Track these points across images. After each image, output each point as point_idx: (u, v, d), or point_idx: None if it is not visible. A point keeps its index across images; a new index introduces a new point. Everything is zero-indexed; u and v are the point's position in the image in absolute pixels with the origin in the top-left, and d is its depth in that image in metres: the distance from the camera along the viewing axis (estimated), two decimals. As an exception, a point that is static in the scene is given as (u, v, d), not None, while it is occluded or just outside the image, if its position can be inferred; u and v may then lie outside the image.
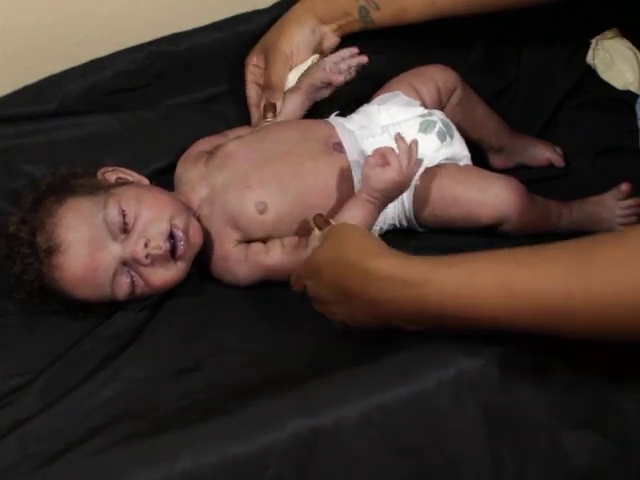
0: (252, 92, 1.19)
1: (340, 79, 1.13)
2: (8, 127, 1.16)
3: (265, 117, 1.14)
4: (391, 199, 1.01)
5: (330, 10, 1.16)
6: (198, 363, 0.94)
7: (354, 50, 1.15)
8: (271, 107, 1.14)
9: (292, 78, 1.16)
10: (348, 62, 1.14)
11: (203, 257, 1.05)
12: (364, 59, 1.14)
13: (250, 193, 1.04)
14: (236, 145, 1.09)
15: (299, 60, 1.16)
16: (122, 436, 0.80)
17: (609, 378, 0.80)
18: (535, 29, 1.21)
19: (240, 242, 1.05)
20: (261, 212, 1.04)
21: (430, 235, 1.12)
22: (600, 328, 0.70)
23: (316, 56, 1.16)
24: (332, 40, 1.18)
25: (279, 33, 1.16)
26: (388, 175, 0.98)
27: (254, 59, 1.18)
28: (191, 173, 1.10)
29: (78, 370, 0.94)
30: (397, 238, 1.11)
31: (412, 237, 1.12)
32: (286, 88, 1.15)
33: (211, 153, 1.10)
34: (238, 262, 1.04)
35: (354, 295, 0.81)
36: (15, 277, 1.01)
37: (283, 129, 1.11)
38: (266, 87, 1.15)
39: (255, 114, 1.18)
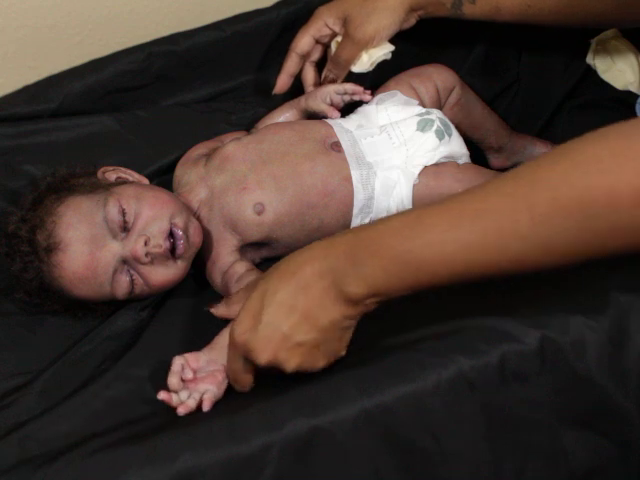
0: (291, 61, 1.17)
1: (337, 115, 1.13)
2: (8, 127, 1.16)
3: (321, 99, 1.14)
4: None
5: None
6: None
7: (359, 89, 1.14)
8: (331, 81, 1.14)
9: (365, 61, 1.13)
10: (350, 97, 1.14)
11: (200, 258, 1.05)
12: (367, 97, 1.14)
13: (248, 194, 1.04)
14: (234, 147, 1.09)
15: (377, 44, 1.13)
16: (122, 436, 0.80)
17: (609, 378, 0.80)
18: (535, 29, 1.21)
19: (236, 250, 1.05)
20: (259, 213, 1.04)
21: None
22: (549, 247, 0.70)
23: (391, 47, 1.13)
24: (410, 23, 1.14)
25: (368, 14, 1.11)
26: None
27: (330, 20, 1.14)
28: (190, 175, 1.10)
29: (78, 370, 0.94)
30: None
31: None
32: (354, 68, 1.14)
33: (210, 155, 1.10)
34: (220, 271, 1.04)
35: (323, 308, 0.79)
36: (15, 276, 1.01)
37: (281, 130, 1.11)
38: (334, 61, 1.14)
39: (284, 79, 1.17)
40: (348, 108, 1.16)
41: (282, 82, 1.18)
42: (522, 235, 0.70)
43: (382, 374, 0.79)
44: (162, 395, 0.84)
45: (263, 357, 0.79)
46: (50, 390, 0.92)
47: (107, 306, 1.03)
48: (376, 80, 1.20)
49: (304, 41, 1.16)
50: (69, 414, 0.88)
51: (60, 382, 0.93)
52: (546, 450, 0.81)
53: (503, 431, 0.80)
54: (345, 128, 1.11)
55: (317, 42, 1.17)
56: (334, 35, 1.15)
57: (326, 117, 1.14)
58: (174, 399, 0.85)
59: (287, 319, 0.78)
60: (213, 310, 0.93)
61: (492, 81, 1.28)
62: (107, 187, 1.03)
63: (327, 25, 1.15)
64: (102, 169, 1.09)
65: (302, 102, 1.16)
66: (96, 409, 0.89)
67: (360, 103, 1.15)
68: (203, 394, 0.85)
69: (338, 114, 1.13)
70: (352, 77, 1.17)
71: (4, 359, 0.97)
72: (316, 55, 1.18)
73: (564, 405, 0.80)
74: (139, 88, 1.22)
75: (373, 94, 1.15)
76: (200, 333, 1.00)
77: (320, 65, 1.19)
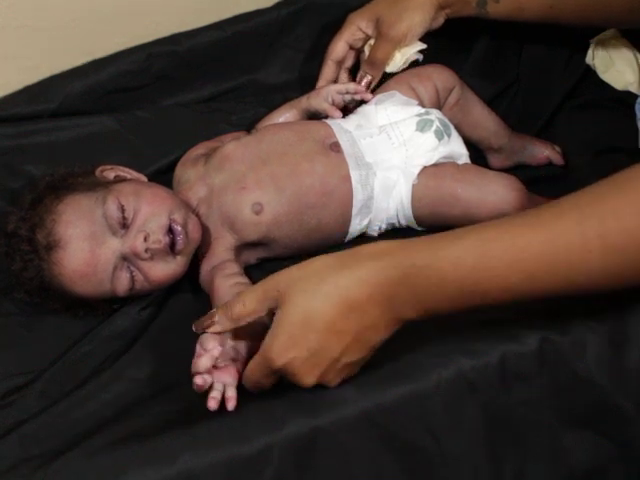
0: (328, 69, 1.18)
1: (338, 115, 1.13)
2: (8, 127, 1.16)
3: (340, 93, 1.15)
4: None
5: None
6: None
7: (361, 88, 1.14)
8: (367, 83, 1.15)
9: (398, 60, 1.14)
10: (352, 96, 1.15)
11: (197, 258, 1.05)
12: (369, 97, 1.14)
13: (246, 194, 1.04)
14: (234, 146, 1.09)
15: (409, 42, 1.13)
16: (122, 436, 0.80)
17: (609, 378, 0.80)
18: (535, 29, 1.21)
19: (232, 249, 1.05)
20: (257, 213, 1.04)
21: (429, 234, 1.11)
22: (619, 277, 0.71)
23: (423, 45, 1.14)
24: (439, 22, 1.15)
25: (399, 14, 1.12)
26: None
27: (363, 24, 1.15)
28: (190, 173, 1.10)
29: (78, 371, 0.94)
30: (396, 238, 1.11)
31: (411, 236, 1.11)
32: (388, 68, 1.15)
33: (209, 155, 1.11)
34: (210, 265, 1.04)
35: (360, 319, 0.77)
36: (15, 275, 1.01)
37: (280, 130, 1.11)
38: (369, 62, 1.14)
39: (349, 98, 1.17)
40: (347, 109, 1.17)
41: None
42: (592, 266, 0.71)
43: (382, 374, 0.79)
44: (198, 380, 0.82)
45: (308, 381, 0.78)
46: (50, 390, 0.92)
47: (108, 304, 1.03)
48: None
49: (339, 47, 1.17)
50: (69, 414, 0.88)
51: (60, 382, 0.93)
52: (546, 450, 0.80)
53: (503, 431, 0.80)
54: (344, 128, 1.11)
55: (350, 48, 1.18)
56: (367, 39, 1.16)
57: (327, 117, 1.14)
58: (207, 383, 0.82)
59: (338, 345, 0.76)
60: (210, 330, 0.85)
61: (492, 81, 1.27)
62: (106, 185, 1.03)
63: (360, 29, 1.16)
64: (100, 168, 1.09)
65: (303, 102, 1.16)
66: (95, 409, 0.89)
67: (360, 103, 1.16)
68: (226, 387, 0.83)
69: (340, 114, 1.13)
70: (353, 76, 1.18)
71: (4, 359, 0.97)
72: (350, 61, 1.19)
73: (564, 405, 0.80)
74: (139, 88, 1.21)
75: (373, 94, 1.15)
76: (199, 334, 1.00)
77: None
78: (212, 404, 0.81)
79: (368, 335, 0.77)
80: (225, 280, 1.01)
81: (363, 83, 1.15)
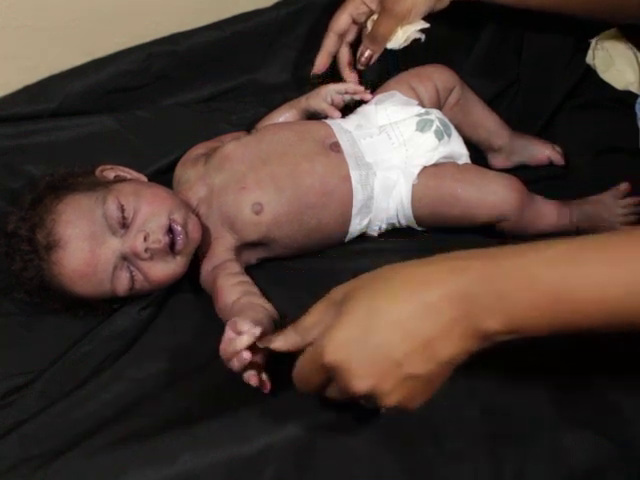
0: (330, 40, 1.17)
1: (338, 115, 1.13)
2: (8, 127, 1.16)
3: (360, 64, 1.15)
4: None
5: None
6: (199, 364, 0.94)
7: (360, 88, 1.14)
8: (367, 58, 1.14)
9: (400, 36, 1.13)
10: (352, 96, 1.14)
11: (197, 258, 1.05)
12: (368, 97, 1.14)
13: (246, 194, 1.04)
14: (234, 146, 1.09)
15: (412, 19, 1.12)
16: (122, 436, 0.80)
17: (609, 378, 0.80)
18: (535, 29, 1.21)
19: (232, 249, 1.05)
20: (257, 213, 1.04)
21: (429, 234, 1.12)
22: None
23: (426, 24, 1.12)
24: (443, 3, 1.13)
25: None
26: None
27: None
28: (190, 173, 1.10)
29: (78, 371, 0.94)
30: (396, 237, 1.12)
31: (411, 236, 1.12)
32: (389, 45, 1.14)
33: (209, 155, 1.11)
34: (212, 265, 1.04)
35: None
36: (15, 275, 1.01)
37: (280, 130, 1.11)
38: (371, 37, 1.13)
39: (348, 73, 1.17)
40: (347, 109, 1.17)
41: (322, 61, 1.18)
42: None
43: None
44: (245, 355, 0.80)
45: (361, 384, 0.68)
46: (50, 390, 0.92)
47: (107, 304, 1.03)
48: (376, 80, 1.20)
49: (342, 20, 1.16)
50: (69, 415, 0.88)
51: (60, 382, 0.93)
52: (546, 450, 0.80)
53: (503, 431, 0.80)
54: (344, 128, 1.11)
55: (353, 22, 1.17)
56: (371, 13, 1.15)
57: (327, 117, 1.14)
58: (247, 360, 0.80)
59: (402, 344, 0.68)
60: (274, 345, 0.78)
61: (492, 81, 1.28)
62: (106, 185, 1.03)
63: (364, 3, 1.14)
64: (100, 168, 1.09)
65: (302, 102, 1.16)
66: (95, 409, 0.89)
67: (360, 103, 1.16)
68: (261, 371, 0.82)
69: (339, 114, 1.13)
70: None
71: (4, 359, 0.97)
72: (351, 35, 1.18)
73: (564, 405, 0.80)
74: (139, 88, 1.21)
75: (373, 94, 1.15)
76: (200, 334, 1.00)
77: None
78: (254, 380, 0.80)
79: (439, 344, 0.68)
80: (228, 279, 1.01)
81: (364, 58, 1.14)
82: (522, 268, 0.67)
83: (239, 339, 0.82)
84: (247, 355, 0.81)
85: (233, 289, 0.99)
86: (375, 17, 1.14)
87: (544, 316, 0.66)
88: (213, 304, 1.01)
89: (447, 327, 0.67)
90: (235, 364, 0.82)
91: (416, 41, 1.14)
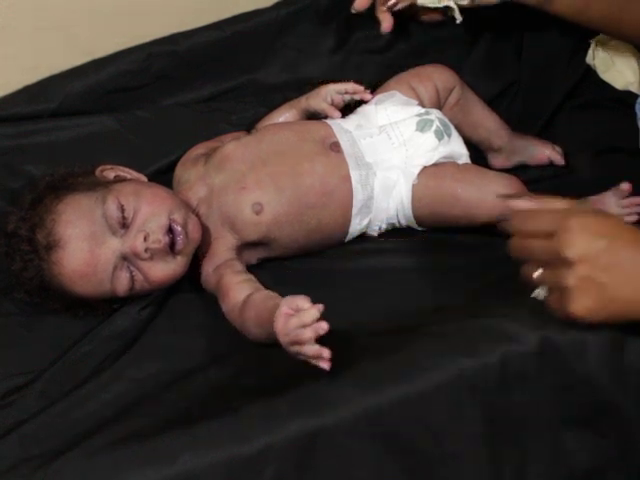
0: None
1: (337, 115, 1.13)
2: (8, 127, 1.16)
3: (384, 5, 1.11)
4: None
5: None
6: (199, 364, 0.94)
7: (360, 88, 1.14)
8: (394, 2, 1.10)
9: None
10: (350, 96, 1.14)
11: (197, 258, 1.05)
12: (368, 97, 1.14)
13: (247, 194, 1.04)
14: (234, 146, 1.09)
15: None
16: (122, 436, 0.80)
17: (609, 378, 0.80)
18: (535, 29, 1.21)
19: (233, 248, 1.05)
20: (257, 213, 1.04)
21: (429, 234, 1.12)
22: None
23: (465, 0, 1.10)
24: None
25: None
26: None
27: None
28: (190, 173, 1.10)
29: (78, 371, 0.94)
30: (396, 237, 1.12)
31: (411, 236, 1.12)
32: (419, 0, 1.11)
33: (209, 155, 1.10)
34: (214, 264, 1.04)
35: None
36: (15, 275, 1.01)
37: (280, 130, 1.11)
38: None
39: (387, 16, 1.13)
40: (347, 109, 1.17)
41: (387, 20, 1.13)
42: None
43: (383, 374, 0.79)
44: (324, 325, 0.80)
45: (574, 251, 0.75)
46: (50, 390, 0.92)
47: (107, 304, 1.03)
48: (376, 80, 1.20)
49: None
50: (69, 414, 0.88)
51: (60, 382, 0.93)
52: (546, 450, 0.80)
53: (503, 431, 0.80)
54: (344, 128, 1.11)
55: None
56: None
57: (327, 117, 1.14)
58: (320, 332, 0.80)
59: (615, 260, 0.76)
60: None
61: (492, 81, 1.28)
62: (106, 185, 1.03)
63: None
64: (100, 167, 1.09)
65: (302, 102, 1.16)
66: (95, 409, 0.89)
67: (360, 103, 1.15)
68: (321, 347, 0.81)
69: (339, 114, 1.13)
70: (353, 76, 1.18)
71: (4, 359, 0.97)
72: None
73: (564, 406, 0.80)
74: (139, 88, 1.21)
75: (373, 94, 1.15)
76: (200, 334, 1.00)
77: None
78: (326, 353, 0.79)
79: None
80: (234, 277, 1.01)
81: (390, 3, 1.11)
82: None
83: (308, 312, 0.82)
84: (325, 325, 0.80)
85: (242, 286, 0.99)
86: None
87: None
88: (214, 304, 1.02)
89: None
90: (306, 335, 0.81)
91: (449, 11, 1.10)
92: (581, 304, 0.76)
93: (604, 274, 0.75)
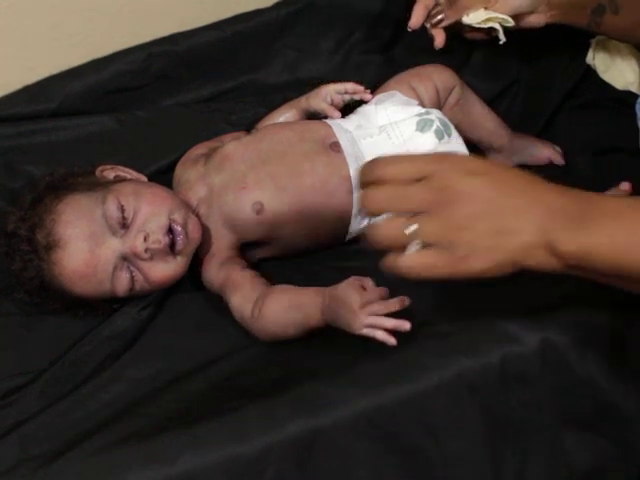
0: None
1: (337, 115, 1.13)
2: (8, 127, 1.16)
3: (429, 22, 1.10)
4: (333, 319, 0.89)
5: None
6: (198, 364, 0.94)
7: (360, 88, 1.14)
8: (438, 20, 1.09)
9: (481, 15, 1.09)
10: (351, 96, 1.14)
11: (197, 258, 1.05)
12: (368, 97, 1.14)
13: (247, 193, 1.04)
14: (234, 146, 1.09)
15: (499, 7, 1.08)
16: (122, 436, 0.80)
17: (609, 378, 0.80)
18: (535, 29, 1.21)
19: (234, 247, 1.05)
20: (258, 212, 1.04)
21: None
22: None
23: (510, 21, 1.08)
24: (539, 19, 1.08)
25: None
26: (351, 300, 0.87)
27: None
28: (190, 173, 1.10)
29: (78, 371, 0.94)
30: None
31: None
32: (466, 18, 1.10)
33: (209, 155, 1.11)
34: (218, 263, 1.04)
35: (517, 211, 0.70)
36: (15, 275, 1.01)
37: (280, 130, 1.11)
38: (452, 1, 1.09)
39: (420, 11, 1.11)
40: (347, 109, 1.17)
41: (418, 14, 1.10)
42: None
43: (383, 374, 0.79)
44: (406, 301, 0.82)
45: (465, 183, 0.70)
46: (50, 390, 0.92)
47: (108, 304, 1.03)
48: (376, 80, 1.20)
49: None
50: (69, 415, 0.88)
51: (60, 382, 0.93)
52: (546, 451, 0.81)
53: (503, 432, 0.80)
54: (344, 128, 1.11)
55: None
56: None
57: (327, 117, 1.14)
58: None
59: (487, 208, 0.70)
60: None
61: (492, 81, 1.27)
62: (106, 185, 1.03)
63: None
64: (100, 168, 1.09)
65: (302, 102, 1.16)
66: (95, 409, 0.89)
67: (360, 103, 1.15)
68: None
69: (339, 114, 1.13)
70: (353, 76, 1.18)
71: (4, 359, 0.97)
72: None
73: (564, 406, 0.80)
74: (139, 88, 1.22)
75: (373, 94, 1.15)
76: (200, 334, 1.00)
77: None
78: (392, 340, 0.81)
79: (513, 226, 0.70)
80: (245, 271, 1.02)
81: (435, 19, 1.10)
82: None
83: (393, 304, 0.83)
84: (407, 325, 0.81)
85: (256, 280, 1.00)
86: None
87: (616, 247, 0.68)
88: (214, 304, 1.02)
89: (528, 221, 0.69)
90: (387, 324, 0.81)
91: (493, 31, 1.10)
92: (483, 259, 0.70)
93: (497, 220, 0.70)
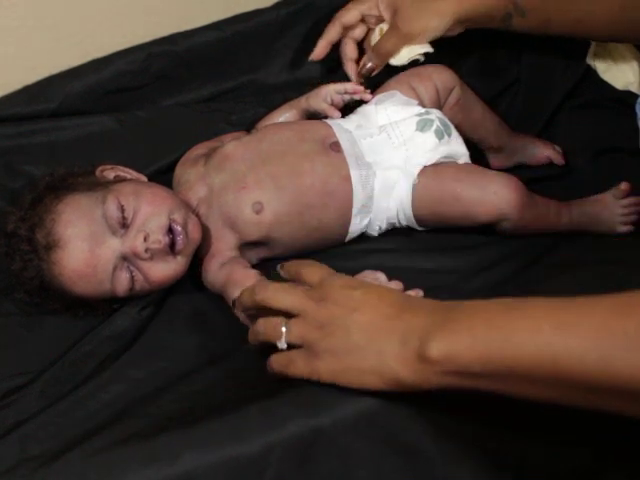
0: (334, 29, 1.17)
1: (337, 115, 1.13)
2: (8, 127, 1.16)
3: (360, 75, 1.15)
4: None
5: (476, 10, 1.10)
6: (199, 364, 0.94)
7: (359, 88, 1.14)
8: (368, 70, 1.14)
9: (404, 55, 1.13)
10: (351, 96, 1.14)
11: (197, 258, 1.05)
12: (368, 97, 1.14)
13: (247, 193, 1.04)
14: (234, 146, 1.09)
15: (418, 42, 1.12)
16: (122, 436, 0.80)
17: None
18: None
19: (235, 247, 1.05)
20: (258, 212, 1.04)
21: (429, 234, 1.12)
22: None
23: (430, 49, 1.13)
24: (454, 32, 1.13)
25: (418, 11, 1.10)
26: None
27: (383, 5, 1.13)
28: (190, 173, 1.10)
29: (78, 371, 0.94)
30: (396, 237, 1.12)
31: (411, 236, 1.12)
32: (392, 61, 1.14)
33: (209, 155, 1.11)
34: (219, 263, 1.04)
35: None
36: (15, 275, 1.01)
37: (280, 130, 1.11)
38: (376, 50, 1.14)
39: (352, 68, 1.17)
40: (347, 109, 1.17)
41: (321, 48, 1.17)
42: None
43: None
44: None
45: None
46: (50, 391, 0.92)
47: (108, 304, 1.03)
48: (376, 80, 1.20)
49: (352, 14, 1.16)
50: (69, 415, 0.88)
51: (60, 382, 0.93)
52: (546, 450, 0.80)
53: (503, 431, 0.80)
54: (344, 128, 1.11)
55: (362, 20, 1.16)
56: (380, 20, 1.15)
57: (327, 117, 1.14)
58: None
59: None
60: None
61: (492, 81, 1.28)
62: (106, 185, 1.03)
63: (378, 7, 1.14)
64: (100, 167, 1.09)
65: (302, 102, 1.16)
66: (95, 409, 0.89)
67: (360, 103, 1.15)
68: None
69: (339, 114, 1.13)
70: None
71: (4, 359, 0.97)
72: (357, 33, 1.18)
73: (564, 405, 0.80)
74: (139, 88, 1.22)
75: (373, 94, 1.15)
76: (200, 334, 1.00)
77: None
78: None
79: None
80: (248, 270, 1.02)
81: (365, 69, 1.14)
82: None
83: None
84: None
85: (256, 278, 1.00)
86: (384, 27, 1.14)
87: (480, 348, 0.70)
88: (214, 304, 1.02)
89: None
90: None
91: (415, 61, 1.15)
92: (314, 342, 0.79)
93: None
